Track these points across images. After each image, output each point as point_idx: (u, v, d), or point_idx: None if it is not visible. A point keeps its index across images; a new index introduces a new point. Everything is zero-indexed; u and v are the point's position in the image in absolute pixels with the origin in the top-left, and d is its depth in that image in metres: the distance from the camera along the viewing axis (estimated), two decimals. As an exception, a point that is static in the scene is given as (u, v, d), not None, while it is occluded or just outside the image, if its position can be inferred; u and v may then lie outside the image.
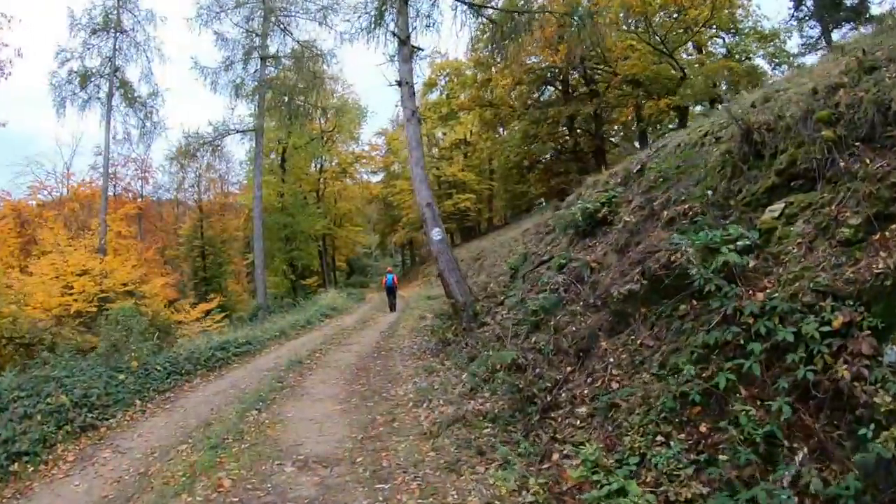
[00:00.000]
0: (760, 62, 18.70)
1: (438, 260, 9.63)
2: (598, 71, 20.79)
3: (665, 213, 5.88)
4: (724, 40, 18.71)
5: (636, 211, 6.44)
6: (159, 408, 7.61)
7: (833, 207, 3.95)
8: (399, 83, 9.56)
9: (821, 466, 3.04)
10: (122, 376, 7.81)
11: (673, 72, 17.06)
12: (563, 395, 5.14)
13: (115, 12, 20.28)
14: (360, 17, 10.88)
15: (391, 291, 18.60)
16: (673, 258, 4.74)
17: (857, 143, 4.08)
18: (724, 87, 17.58)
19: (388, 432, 5.61)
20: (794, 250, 4.03)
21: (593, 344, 5.36)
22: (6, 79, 14.52)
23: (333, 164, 38.67)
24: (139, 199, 32.44)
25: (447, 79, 35.21)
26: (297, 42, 21.60)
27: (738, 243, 4.30)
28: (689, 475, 3.47)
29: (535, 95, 25.41)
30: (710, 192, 5.22)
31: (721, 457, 3.41)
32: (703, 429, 3.77)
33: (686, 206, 5.60)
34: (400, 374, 8.34)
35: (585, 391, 4.97)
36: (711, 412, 3.80)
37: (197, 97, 57.36)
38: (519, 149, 23.26)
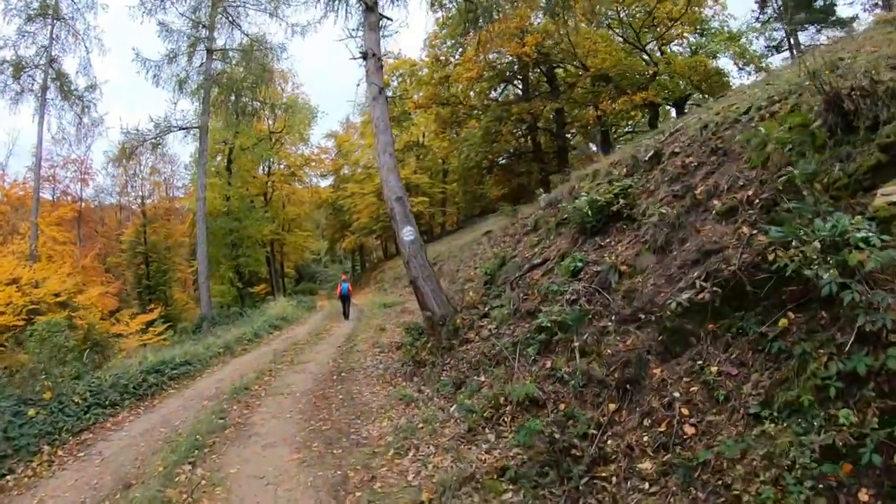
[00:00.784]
0: (725, 63, 18.60)
1: (410, 265, 8.12)
2: (566, 66, 20.06)
3: (715, 202, 4.73)
4: (687, 41, 18.44)
5: (670, 202, 5.26)
6: (72, 456, 5.83)
7: None
8: (364, 55, 7.99)
9: None
10: (31, 412, 6.16)
11: (645, 65, 16.51)
12: (611, 443, 3.81)
13: (54, -2, 18.64)
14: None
15: (346, 299, 17.82)
16: (762, 256, 3.55)
17: None
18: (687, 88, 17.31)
19: (369, 500, 4.08)
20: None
21: (642, 372, 4.07)
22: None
23: (282, 166, 36.97)
24: (80, 203, 30.30)
25: (400, 79, 33.83)
26: (246, 35, 20.54)
27: (859, 235, 3.16)
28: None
29: (494, 94, 24.51)
30: (788, 175, 4.07)
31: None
32: (865, 497, 2.55)
33: (748, 193, 4.46)
34: (368, 404, 6.77)
35: (645, 438, 3.67)
36: (872, 474, 2.59)
37: (140, 95, 52.52)
38: (480, 147, 22.14)
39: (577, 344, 4.61)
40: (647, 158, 6.73)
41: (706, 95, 17.82)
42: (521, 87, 24.19)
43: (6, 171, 25.99)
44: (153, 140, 20.81)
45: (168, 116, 20.55)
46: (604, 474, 3.59)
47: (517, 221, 14.29)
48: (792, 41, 20.13)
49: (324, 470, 4.75)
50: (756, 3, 17.71)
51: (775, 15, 16.12)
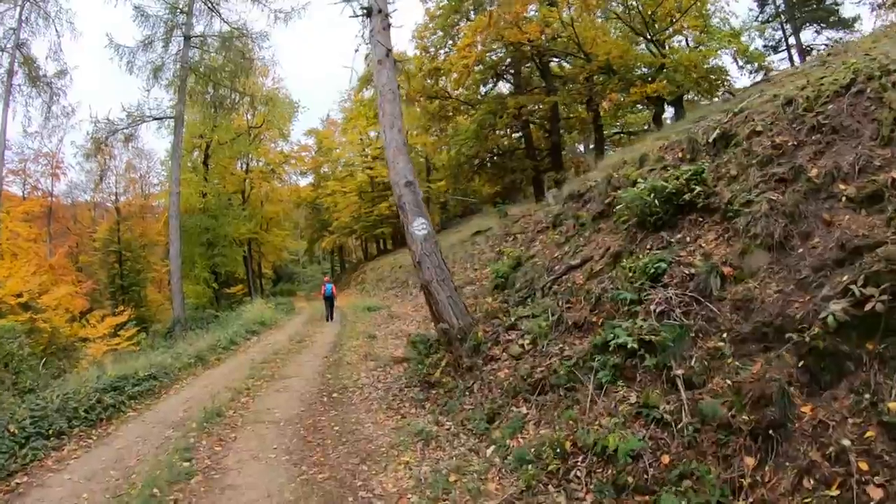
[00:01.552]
0: (725, 61, 17.95)
1: (422, 265, 6.86)
2: (564, 59, 19.08)
3: (843, 186, 3.67)
4: (690, 35, 17.74)
5: (773, 188, 4.19)
6: (-5, 513, 4.43)
7: None
8: (368, 11, 6.69)
9: None
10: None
11: (652, 57, 15.68)
12: (759, 518, 2.69)
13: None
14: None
15: (330, 301, 17.35)
16: None
17: None
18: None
19: None
20: None
21: (786, 411, 2.97)
22: None
23: (261, 163, 35.11)
24: (50, 199, 29.11)
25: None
26: (226, 22, 19.24)
27: None
28: None
29: (485, 89, 23.46)
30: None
31: None
32: None
33: (892, 175, 3.42)
34: (373, 440, 5.46)
35: (814, 512, 2.56)
36: None
37: (114, 89, 49.27)
38: (472, 142, 21.00)
39: (679, 372, 3.46)
40: (710, 140, 5.68)
41: (706, 95, 17.17)
42: (512, 81, 23.21)
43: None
44: (125, 130, 19.23)
45: (141, 105, 19.16)
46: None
47: (522, 218, 13.24)
48: (792, 41, 19.69)
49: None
50: (756, 2, 17.24)
51: (776, 13, 15.50)
